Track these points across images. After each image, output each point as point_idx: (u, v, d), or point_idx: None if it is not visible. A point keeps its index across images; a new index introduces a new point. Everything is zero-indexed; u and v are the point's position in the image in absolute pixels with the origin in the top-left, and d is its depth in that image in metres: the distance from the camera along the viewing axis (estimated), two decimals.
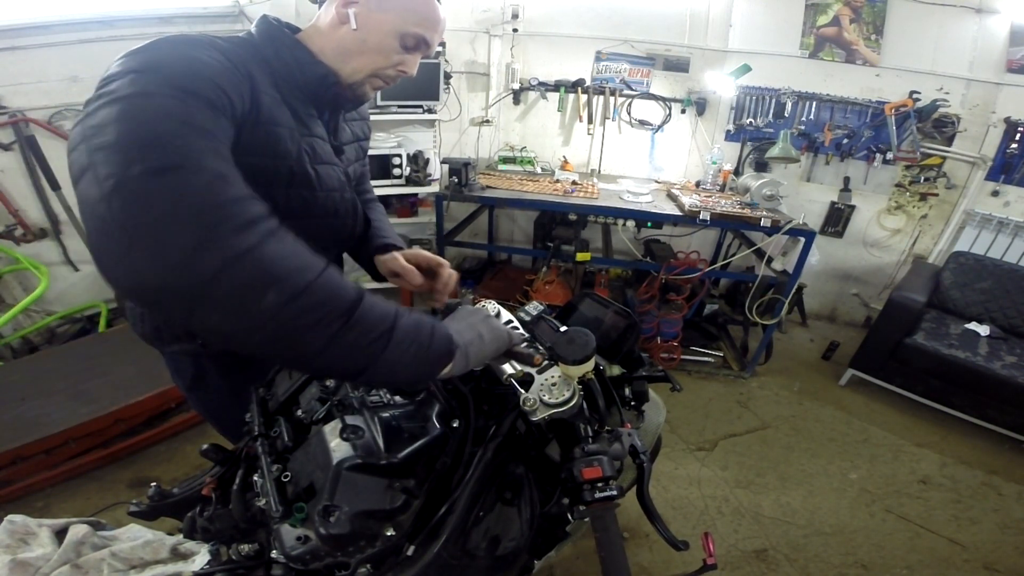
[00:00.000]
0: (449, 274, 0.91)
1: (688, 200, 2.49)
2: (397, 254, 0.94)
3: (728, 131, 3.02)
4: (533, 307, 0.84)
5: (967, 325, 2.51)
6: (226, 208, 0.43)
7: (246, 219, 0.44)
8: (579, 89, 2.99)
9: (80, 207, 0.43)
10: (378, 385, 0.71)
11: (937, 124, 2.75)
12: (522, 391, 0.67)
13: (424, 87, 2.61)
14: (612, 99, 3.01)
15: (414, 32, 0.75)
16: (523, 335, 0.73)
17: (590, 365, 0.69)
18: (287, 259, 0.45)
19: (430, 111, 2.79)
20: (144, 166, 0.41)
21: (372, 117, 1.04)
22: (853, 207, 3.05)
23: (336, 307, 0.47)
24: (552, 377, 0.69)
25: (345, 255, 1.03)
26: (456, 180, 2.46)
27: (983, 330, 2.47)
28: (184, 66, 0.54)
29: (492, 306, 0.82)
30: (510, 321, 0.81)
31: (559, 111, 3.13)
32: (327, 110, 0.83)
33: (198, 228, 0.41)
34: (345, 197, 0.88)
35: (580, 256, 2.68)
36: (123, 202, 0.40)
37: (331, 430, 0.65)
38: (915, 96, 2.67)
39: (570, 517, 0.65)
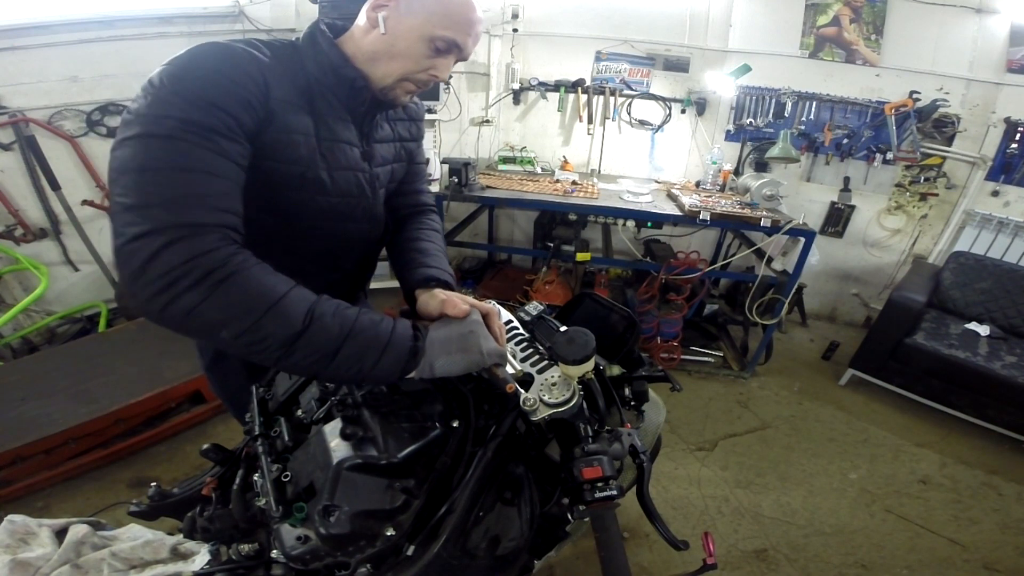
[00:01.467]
0: (499, 326, 0.76)
1: (688, 200, 2.49)
2: (443, 295, 0.77)
3: (728, 131, 3.02)
4: (533, 307, 0.84)
5: (967, 325, 2.51)
6: (188, 265, 0.53)
7: (205, 270, 0.54)
8: (579, 89, 2.99)
9: None
10: (340, 384, 0.76)
11: (937, 124, 2.75)
12: (522, 391, 0.67)
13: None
14: (612, 99, 3.01)
15: (443, 35, 0.73)
16: (502, 353, 0.69)
17: (590, 365, 0.69)
18: (237, 302, 0.55)
19: (430, 111, 2.80)
20: (136, 229, 0.53)
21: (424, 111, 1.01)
22: (853, 207, 3.05)
23: (277, 341, 0.57)
24: (552, 377, 0.69)
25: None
26: (456, 180, 2.46)
27: (983, 330, 2.47)
28: (197, 90, 0.60)
29: (492, 306, 0.82)
30: (510, 321, 0.81)
31: (559, 111, 3.13)
32: (360, 113, 0.83)
33: (166, 287, 0.53)
34: (364, 203, 0.87)
35: (580, 256, 2.68)
36: (120, 265, 0.55)
37: (331, 430, 0.65)
38: (915, 96, 2.67)
39: (570, 517, 0.65)
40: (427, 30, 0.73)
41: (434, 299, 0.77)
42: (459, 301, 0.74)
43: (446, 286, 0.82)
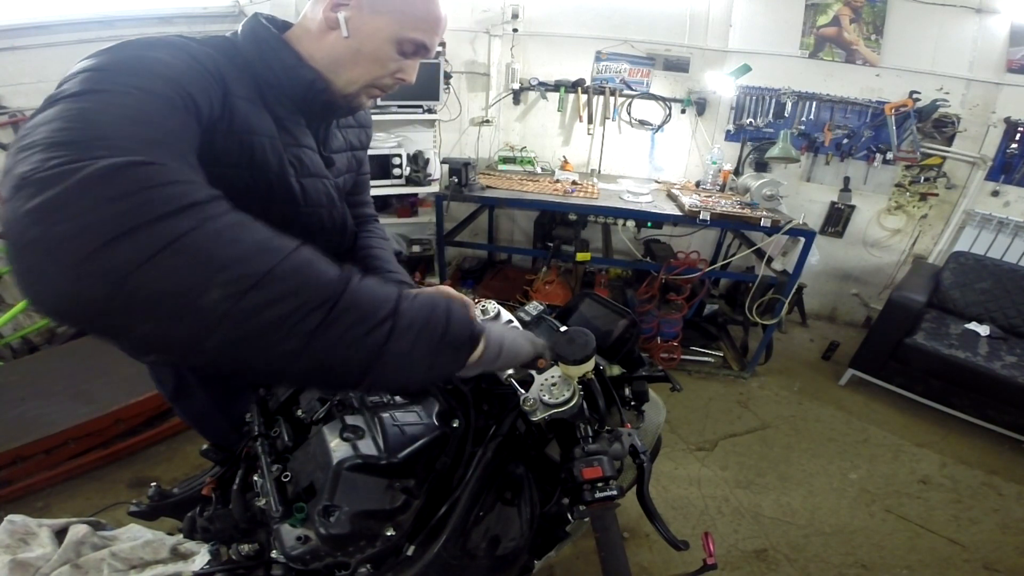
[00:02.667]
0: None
1: (688, 200, 2.49)
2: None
3: (728, 131, 3.02)
4: (533, 307, 0.84)
5: (967, 325, 2.51)
6: (157, 190, 0.34)
7: (180, 203, 0.34)
8: (579, 89, 2.99)
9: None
10: (389, 389, 0.62)
11: (937, 124, 2.75)
12: (522, 391, 0.67)
13: (424, 87, 2.61)
14: (612, 99, 3.01)
15: (412, 37, 0.68)
16: (546, 344, 0.67)
17: (590, 365, 0.69)
18: (237, 242, 0.36)
19: (430, 111, 2.80)
20: (64, 158, 0.33)
21: (371, 117, 0.99)
22: (853, 207, 3.05)
23: (311, 294, 0.37)
24: (552, 377, 0.69)
25: None
26: (456, 180, 2.45)
27: (983, 330, 2.47)
28: (142, 64, 0.49)
29: (492, 306, 0.82)
30: (510, 321, 0.81)
31: (559, 111, 3.13)
32: (316, 118, 0.76)
33: (115, 215, 0.31)
34: (333, 213, 0.82)
35: (580, 256, 2.68)
36: (27, 196, 0.31)
37: (331, 430, 0.65)
38: (915, 96, 2.67)
39: (570, 517, 0.65)
40: (395, 32, 0.67)
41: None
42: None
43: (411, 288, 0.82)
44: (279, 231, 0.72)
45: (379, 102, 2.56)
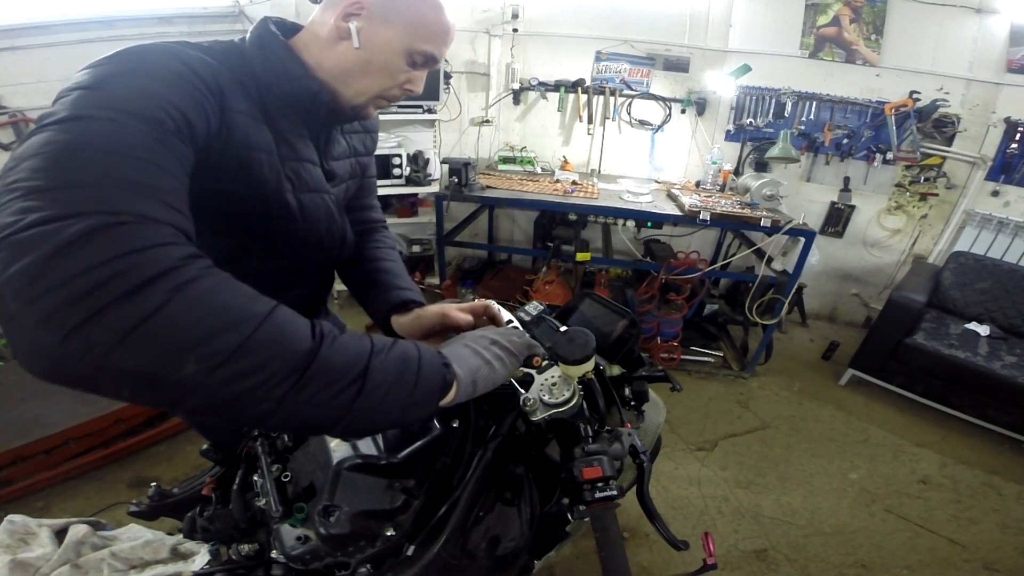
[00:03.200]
0: (497, 310, 0.76)
1: (688, 200, 2.49)
2: (427, 309, 0.77)
3: (728, 131, 3.02)
4: (533, 307, 0.84)
5: (967, 325, 2.51)
6: (128, 258, 0.34)
7: (155, 270, 0.34)
8: (579, 89, 2.99)
9: None
10: (357, 436, 0.62)
11: (937, 124, 2.75)
12: (522, 391, 0.67)
13: (424, 87, 2.61)
14: (612, 99, 3.01)
15: (422, 49, 0.67)
16: (531, 343, 0.67)
17: (590, 365, 0.68)
18: (210, 315, 0.36)
19: (430, 111, 2.80)
20: (40, 214, 0.33)
21: (378, 120, 0.97)
22: (853, 207, 3.05)
23: (281, 366, 0.38)
24: (552, 377, 0.69)
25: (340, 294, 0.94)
26: (456, 180, 2.46)
27: (983, 330, 2.47)
28: (136, 82, 0.47)
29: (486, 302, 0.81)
30: (510, 321, 0.81)
31: (559, 111, 3.13)
32: (320, 128, 0.75)
33: (87, 291, 0.32)
34: (332, 228, 0.80)
35: (580, 256, 2.68)
36: (5, 261, 0.32)
37: None
38: (915, 96, 2.68)
39: (570, 517, 0.65)
40: (406, 43, 0.66)
41: (422, 317, 0.76)
42: (454, 307, 0.74)
43: (420, 307, 0.81)
44: (279, 248, 0.70)
45: None
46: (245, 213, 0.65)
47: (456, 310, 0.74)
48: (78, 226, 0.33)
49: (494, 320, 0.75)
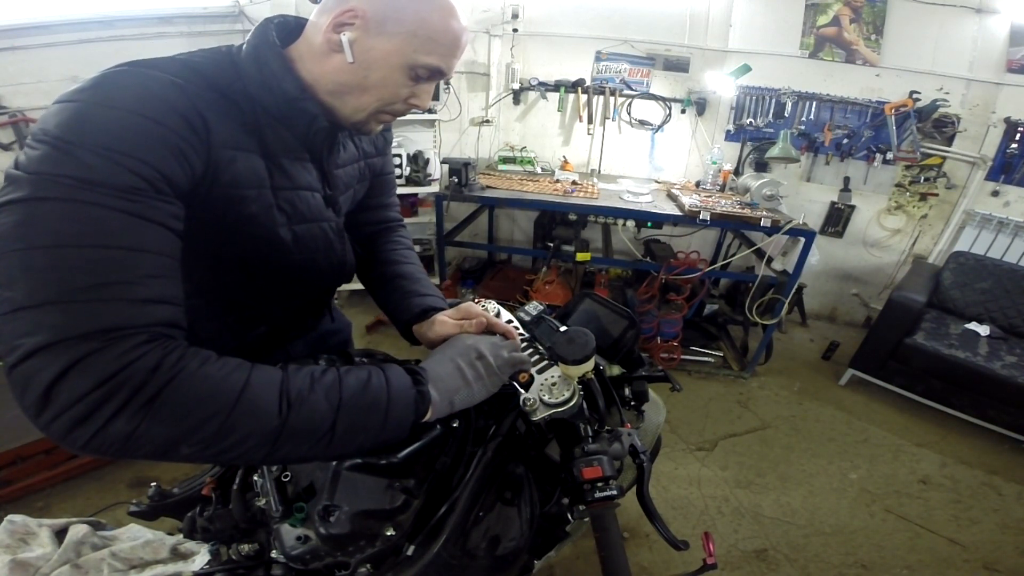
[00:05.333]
0: (506, 328, 0.75)
1: (688, 200, 2.49)
2: (444, 318, 0.75)
3: (728, 131, 3.02)
4: (533, 307, 0.84)
5: (967, 325, 2.51)
6: (101, 389, 0.40)
7: (127, 393, 0.40)
8: (579, 89, 2.99)
9: None
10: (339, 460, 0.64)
11: (937, 124, 2.75)
12: (522, 391, 0.67)
13: None
14: (612, 99, 3.01)
15: (426, 63, 0.60)
16: (520, 359, 0.67)
17: (590, 365, 0.69)
18: (189, 412, 0.43)
19: (430, 111, 2.80)
20: (30, 345, 0.39)
21: None
22: (853, 207, 3.05)
23: (257, 439, 0.46)
24: (552, 377, 0.69)
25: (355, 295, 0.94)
26: (456, 180, 2.46)
27: (983, 330, 2.47)
28: (107, 139, 0.44)
29: (492, 306, 0.82)
30: (510, 321, 0.81)
31: (559, 111, 3.13)
32: (319, 147, 0.69)
33: (83, 418, 0.40)
34: (331, 257, 0.76)
35: (580, 256, 2.68)
36: (17, 390, 0.40)
37: None
38: (915, 96, 2.67)
39: (570, 517, 0.65)
40: (407, 57, 0.59)
41: (440, 324, 0.75)
42: (474, 308, 0.77)
43: (439, 312, 0.79)
44: (274, 276, 0.70)
45: None
46: (237, 248, 0.64)
47: (452, 323, 0.74)
48: (58, 365, 0.39)
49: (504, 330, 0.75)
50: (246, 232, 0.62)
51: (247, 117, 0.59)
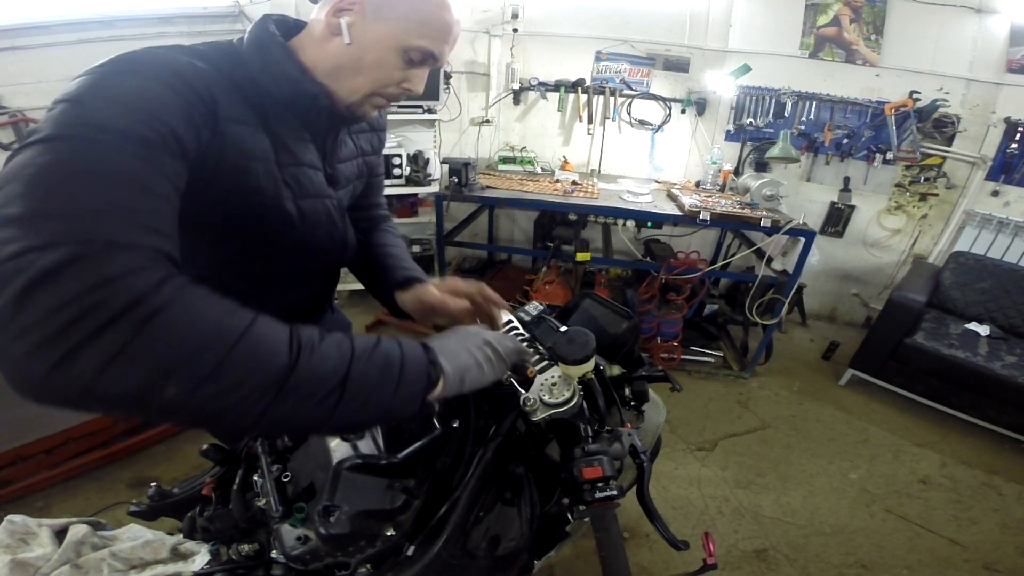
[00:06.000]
0: (494, 298, 0.79)
1: (688, 200, 2.49)
2: (431, 287, 0.80)
3: (728, 131, 3.02)
4: (533, 307, 0.84)
5: (967, 325, 2.51)
6: (95, 293, 0.34)
7: (123, 302, 0.35)
8: (579, 89, 2.99)
9: None
10: (344, 434, 0.62)
11: (937, 124, 2.75)
12: (522, 391, 0.67)
13: (424, 87, 2.61)
14: (612, 99, 3.01)
15: (418, 45, 0.64)
16: (521, 349, 0.67)
17: (590, 365, 0.69)
18: (185, 339, 0.37)
19: (430, 111, 2.80)
20: (15, 246, 0.34)
21: (386, 120, 0.96)
22: (853, 207, 3.05)
23: (259, 382, 0.39)
24: (552, 377, 0.69)
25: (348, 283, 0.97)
26: (456, 180, 2.46)
27: (983, 330, 2.47)
28: (123, 97, 0.46)
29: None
30: (510, 321, 0.81)
31: (559, 111, 3.13)
32: (322, 131, 0.73)
33: (62, 330, 0.33)
34: (333, 233, 0.78)
35: (580, 256, 2.68)
36: None
37: None
38: (915, 96, 2.68)
39: (570, 517, 0.64)
40: (400, 40, 0.63)
41: (424, 296, 0.79)
42: (450, 296, 0.77)
43: (422, 284, 0.83)
44: (279, 253, 0.70)
45: None
46: (243, 221, 0.65)
47: (452, 299, 0.77)
48: (47, 259, 0.34)
49: (490, 310, 0.78)
50: (254, 204, 0.64)
51: (251, 99, 0.62)
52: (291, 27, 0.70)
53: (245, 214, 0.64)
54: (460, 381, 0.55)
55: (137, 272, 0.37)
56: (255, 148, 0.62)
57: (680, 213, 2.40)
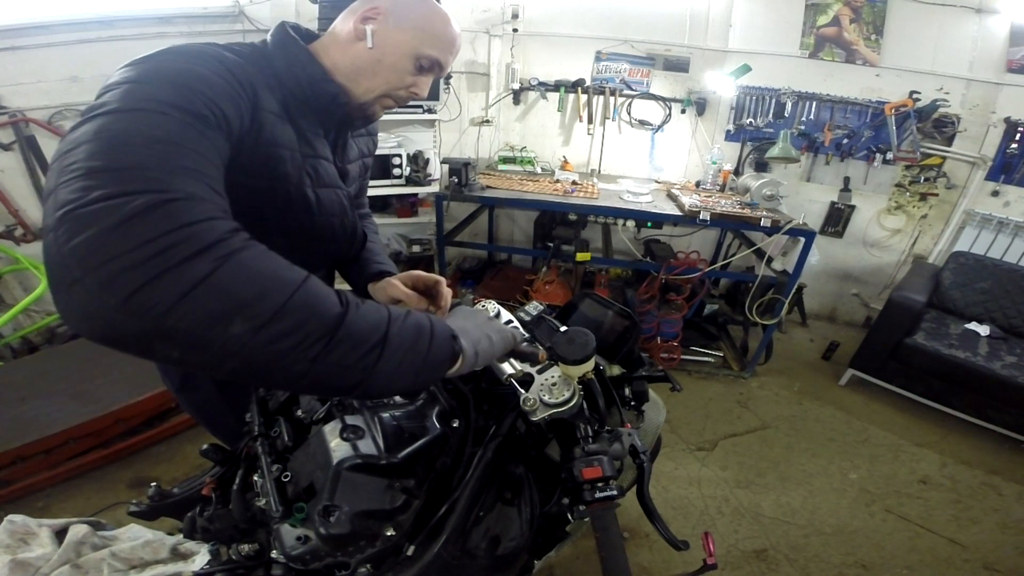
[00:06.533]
0: (448, 292, 0.87)
1: (688, 200, 2.49)
2: (394, 280, 0.89)
3: (728, 131, 3.02)
4: (533, 307, 0.84)
5: (967, 325, 2.51)
6: (182, 231, 0.38)
7: (206, 241, 0.38)
8: (579, 89, 2.99)
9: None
10: (374, 397, 0.66)
11: (937, 124, 2.75)
12: (522, 391, 0.67)
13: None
14: (612, 99, 3.00)
15: (429, 54, 0.74)
16: (524, 335, 0.72)
17: (590, 365, 0.69)
18: (254, 280, 0.40)
19: (430, 111, 2.79)
20: (102, 191, 0.37)
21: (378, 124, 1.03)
22: (853, 207, 3.05)
23: (315, 328, 0.42)
24: (552, 377, 0.69)
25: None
26: (456, 180, 2.45)
27: (983, 330, 2.47)
28: (181, 79, 0.51)
29: (492, 306, 0.82)
30: (510, 321, 0.81)
31: (559, 111, 3.13)
32: (334, 129, 0.81)
33: (148, 258, 0.36)
34: (345, 223, 0.86)
35: (580, 256, 2.68)
36: (70, 232, 0.36)
37: (331, 430, 0.65)
38: (915, 96, 2.67)
39: (570, 517, 0.65)
40: (414, 48, 0.73)
41: (390, 285, 0.87)
42: (400, 285, 0.86)
43: (392, 275, 0.92)
44: (294, 240, 0.73)
45: None
46: (266, 206, 0.70)
47: (414, 296, 0.85)
48: (137, 202, 0.37)
49: (431, 289, 0.86)
50: (281, 189, 0.70)
51: (277, 96, 0.69)
52: (304, 34, 0.77)
53: (270, 199, 0.70)
54: (475, 355, 0.58)
55: (216, 219, 0.41)
56: (284, 137, 0.68)
57: (680, 213, 2.40)
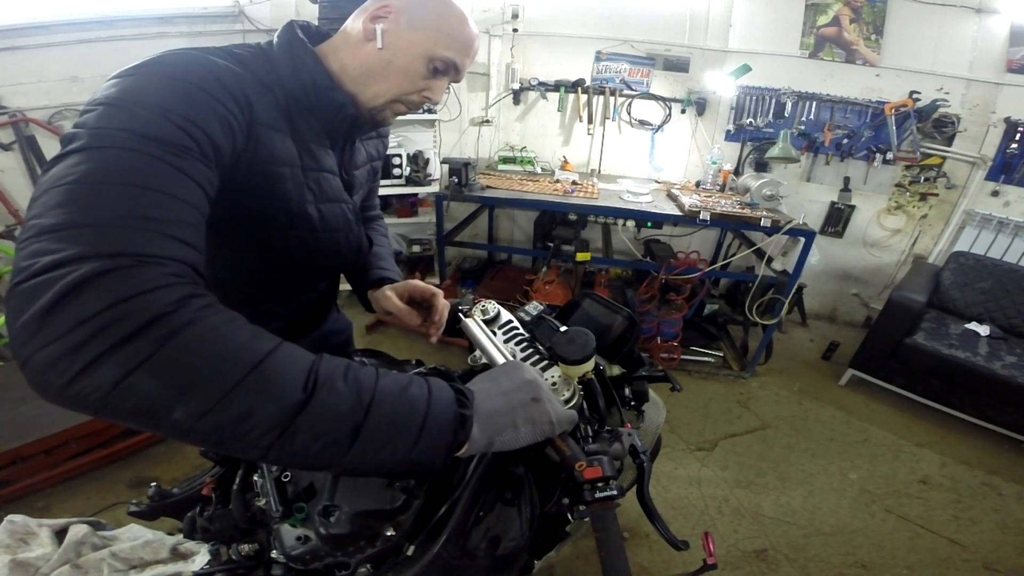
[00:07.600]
0: (444, 305, 0.82)
1: (688, 200, 2.49)
2: (390, 292, 0.84)
3: (728, 131, 3.02)
4: (533, 307, 0.84)
5: (967, 325, 2.51)
6: (120, 308, 0.35)
7: (148, 316, 0.35)
8: (579, 89, 2.99)
9: None
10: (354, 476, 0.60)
11: (937, 124, 2.75)
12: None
13: None
14: (612, 99, 3.01)
15: (444, 56, 0.68)
16: (573, 419, 0.59)
17: (590, 365, 0.69)
18: (200, 362, 0.36)
19: (430, 111, 2.79)
20: (48, 259, 0.35)
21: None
22: (853, 207, 3.05)
23: (267, 416, 0.38)
24: (552, 377, 0.69)
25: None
26: (456, 180, 2.46)
27: (983, 330, 2.47)
28: (163, 100, 0.47)
29: (492, 306, 0.82)
30: (510, 321, 0.81)
31: (559, 111, 3.13)
32: (342, 137, 0.77)
33: (82, 343, 0.34)
34: (350, 237, 0.81)
35: (580, 256, 2.68)
36: (16, 310, 0.35)
37: None
38: (915, 96, 2.67)
39: (570, 517, 0.64)
40: (428, 49, 0.67)
41: (384, 297, 0.84)
42: (394, 297, 0.83)
43: (393, 283, 0.88)
44: (297, 255, 0.73)
45: None
46: (266, 225, 0.67)
47: (407, 312, 0.82)
48: (77, 273, 0.35)
49: (428, 302, 0.83)
50: (281, 208, 0.67)
51: (280, 103, 0.65)
52: (313, 34, 0.72)
53: (270, 218, 0.67)
54: (488, 444, 0.51)
55: (163, 288, 0.37)
56: (284, 153, 0.65)
57: (680, 213, 2.40)
